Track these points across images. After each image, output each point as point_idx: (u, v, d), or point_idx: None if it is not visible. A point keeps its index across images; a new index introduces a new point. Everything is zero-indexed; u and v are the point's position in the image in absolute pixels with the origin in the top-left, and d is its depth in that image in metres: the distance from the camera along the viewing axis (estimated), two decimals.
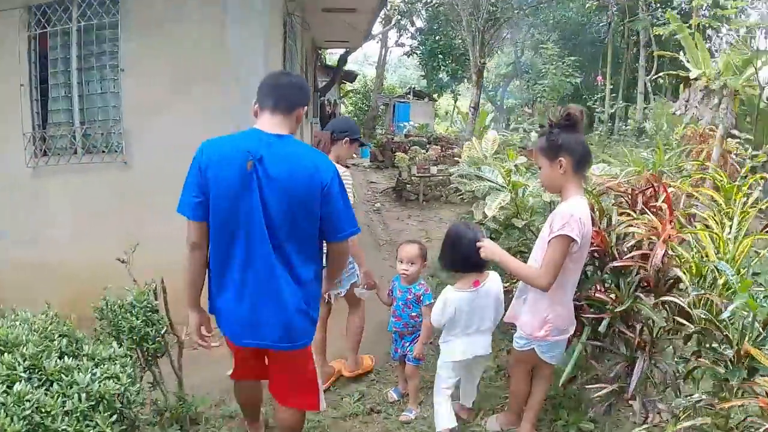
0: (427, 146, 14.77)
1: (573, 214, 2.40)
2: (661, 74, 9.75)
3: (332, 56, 18.86)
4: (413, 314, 3.31)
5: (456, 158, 12.45)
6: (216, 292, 2.27)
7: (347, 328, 3.78)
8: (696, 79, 9.50)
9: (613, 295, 2.74)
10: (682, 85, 9.89)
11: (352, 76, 18.96)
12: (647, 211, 2.76)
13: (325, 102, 13.07)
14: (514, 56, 27.25)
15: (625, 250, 2.76)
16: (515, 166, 4.08)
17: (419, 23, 23.57)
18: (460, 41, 21.08)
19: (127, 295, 2.57)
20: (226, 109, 4.10)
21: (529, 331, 2.70)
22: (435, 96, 25.07)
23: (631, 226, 2.73)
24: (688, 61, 10.21)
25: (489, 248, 2.70)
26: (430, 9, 20.34)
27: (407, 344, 3.37)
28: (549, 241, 2.41)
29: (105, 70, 4.34)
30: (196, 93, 4.19)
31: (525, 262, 2.65)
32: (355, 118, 22.54)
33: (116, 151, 4.30)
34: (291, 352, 2.27)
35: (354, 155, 4.22)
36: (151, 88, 4.19)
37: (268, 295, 2.15)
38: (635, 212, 2.87)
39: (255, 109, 2.22)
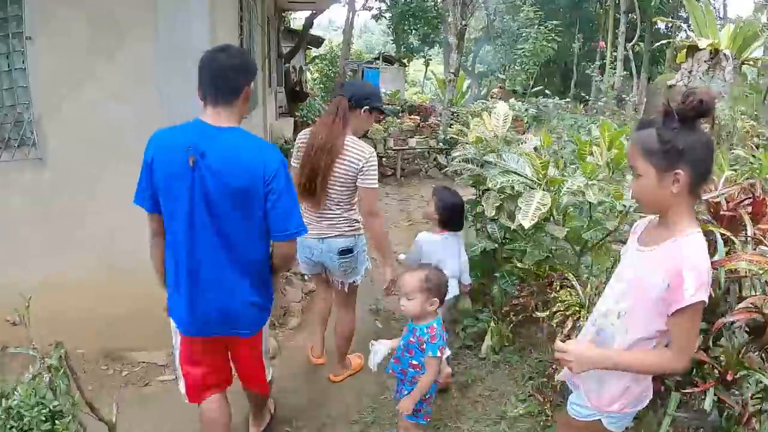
0: (400, 115, 13.92)
1: (704, 264, 1.58)
2: (662, 42, 8.91)
3: (297, 22, 17.61)
4: (414, 362, 2.54)
5: (434, 128, 11.75)
6: (170, 287, 2.22)
7: (337, 328, 3.42)
8: (699, 48, 8.83)
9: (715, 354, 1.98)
10: (683, 53, 9.14)
11: (318, 42, 17.72)
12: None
13: (290, 69, 11.95)
14: (486, 21, 26.21)
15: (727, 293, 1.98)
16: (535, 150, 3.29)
17: None
18: (432, 3, 20.04)
19: (25, 380, 1.67)
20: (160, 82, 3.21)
21: (598, 403, 1.91)
22: (405, 61, 23.92)
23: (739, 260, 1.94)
24: (690, 28, 9.54)
25: (578, 359, 1.75)
26: None
27: (405, 392, 2.61)
28: (682, 308, 1.55)
29: (11, 41, 3.27)
30: (123, 63, 3.22)
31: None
32: (322, 86, 21.49)
33: (28, 145, 3.30)
34: (241, 338, 2.30)
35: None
36: (65, 59, 3.18)
37: (216, 289, 2.13)
38: (736, 237, 2.08)
39: (199, 94, 2.06)
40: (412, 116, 12.55)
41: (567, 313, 2.86)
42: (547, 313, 2.84)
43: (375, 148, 9.77)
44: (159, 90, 3.15)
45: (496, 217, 3.52)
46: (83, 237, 3.40)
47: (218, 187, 1.98)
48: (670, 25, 22.72)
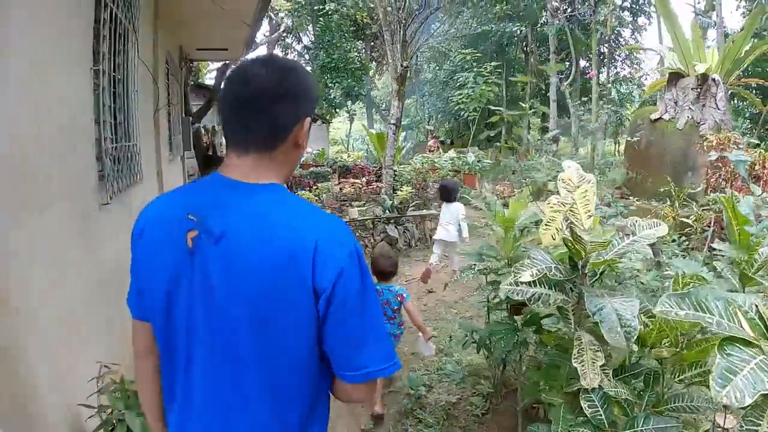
0: (330, 177, 12.41)
1: None
2: (658, 69, 7.72)
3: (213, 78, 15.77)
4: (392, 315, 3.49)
5: (376, 192, 10.03)
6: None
7: None
8: (682, 75, 7.78)
9: None
10: (656, 83, 8.11)
11: None
12: None
13: (201, 131, 9.98)
14: (412, 69, 25.45)
15: None
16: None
17: (306, 40, 21.20)
18: (356, 54, 18.83)
19: None
20: None
21: None
22: (327, 118, 22.36)
23: None
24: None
25: None
26: (321, 20, 17.80)
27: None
28: None
29: None
30: None
31: None
32: None
33: None
34: None
35: None
36: None
37: None
38: None
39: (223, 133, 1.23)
40: (351, 179, 10.86)
41: None
42: None
43: None
44: None
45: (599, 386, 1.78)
46: None
47: (231, 286, 1.10)
48: (592, 63, 22.87)
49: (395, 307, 3.46)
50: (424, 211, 8.90)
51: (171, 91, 6.83)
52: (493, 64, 13.42)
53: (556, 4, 17.66)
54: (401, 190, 8.81)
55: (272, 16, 16.18)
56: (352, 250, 1.14)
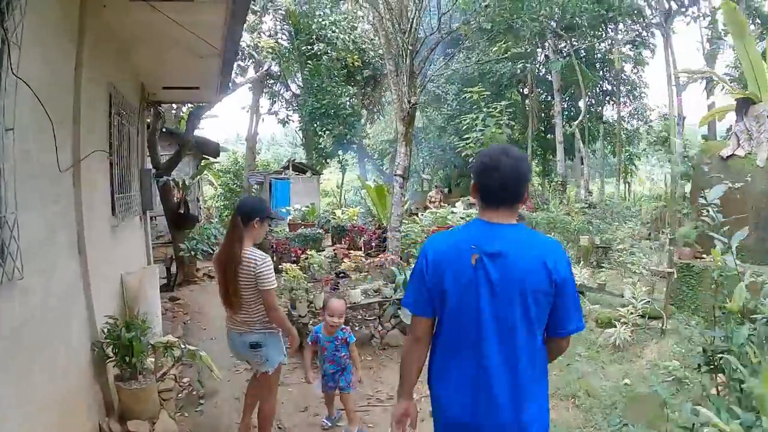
0: (322, 239, 10.76)
1: None
2: (714, 96, 6.36)
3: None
4: (343, 355, 4.10)
5: (378, 266, 7.58)
6: (443, 387, 2.17)
7: (260, 413, 3.74)
8: (753, 102, 6.44)
9: None
10: (710, 116, 6.78)
11: (211, 148, 14.25)
12: None
13: (171, 184, 8.42)
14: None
15: None
16: None
17: (295, 87, 20.01)
18: (347, 98, 17.59)
19: None
20: None
21: None
22: (317, 169, 20.81)
23: None
24: (728, 80, 7.39)
25: None
26: (309, 62, 16.60)
27: (346, 376, 4.13)
28: None
29: None
30: None
31: None
32: (226, 202, 18.26)
33: None
34: None
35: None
36: None
37: (503, 396, 2.01)
38: None
39: (474, 193, 2.14)
40: (348, 246, 9.21)
41: None
42: None
43: (293, 306, 6.09)
44: None
45: None
46: None
47: (506, 284, 1.99)
48: (594, 101, 21.93)
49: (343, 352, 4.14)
50: None
51: (120, 136, 5.32)
52: (503, 103, 12.14)
53: (556, 40, 16.73)
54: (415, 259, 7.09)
55: (255, 55, 14.98)
56: (567, 261, 2.06)
